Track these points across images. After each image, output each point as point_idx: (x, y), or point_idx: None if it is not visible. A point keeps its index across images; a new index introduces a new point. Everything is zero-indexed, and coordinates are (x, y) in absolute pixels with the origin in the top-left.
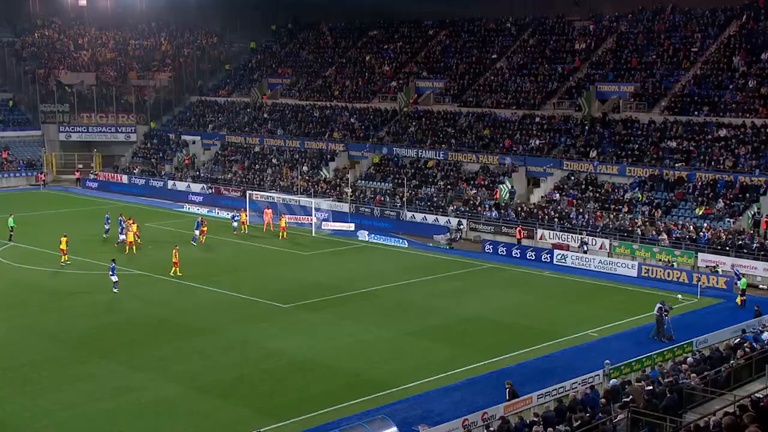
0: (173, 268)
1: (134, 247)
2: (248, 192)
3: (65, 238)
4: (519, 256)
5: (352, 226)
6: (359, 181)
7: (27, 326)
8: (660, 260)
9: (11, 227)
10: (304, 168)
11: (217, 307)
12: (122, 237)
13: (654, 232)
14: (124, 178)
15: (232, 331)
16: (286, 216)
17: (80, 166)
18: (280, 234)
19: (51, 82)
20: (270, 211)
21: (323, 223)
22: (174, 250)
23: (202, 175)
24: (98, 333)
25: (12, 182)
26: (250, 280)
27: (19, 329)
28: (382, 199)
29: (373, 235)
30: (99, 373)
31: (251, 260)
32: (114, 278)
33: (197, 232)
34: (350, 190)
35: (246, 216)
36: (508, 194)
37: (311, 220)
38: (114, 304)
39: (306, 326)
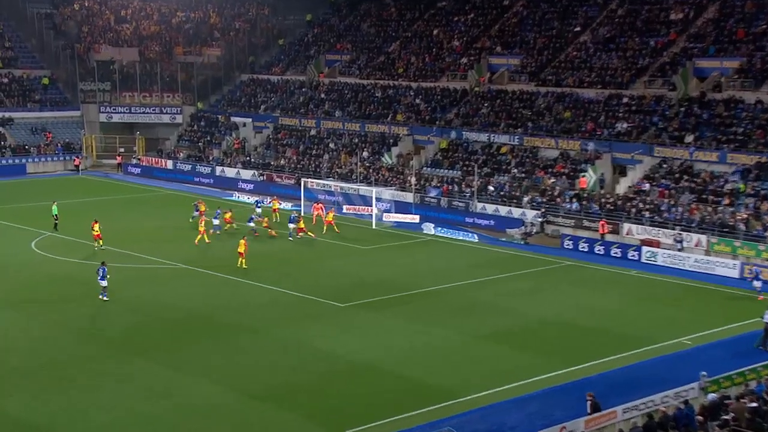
0: (239, 260)
1: (206, 236)
2: (303, 180)
3: (96, 223)
4: (602, 253)
5: (416, 218)
6: (425, 168)
7: (62, 322)
8: (766, 259)
9: (55, 215)
10: (364, 154)
11: (267, 304)
12: (216, 222)
13: (759, 228)
14: (169, 164)
15: (283, 331)
16: (334, 210)
17: (122, 149)
18: (324, 228)
19: (90, 59)
20: (321, 206)
21: (384, 214)
22: (242, 240)
23: (252, 160)
24: (138, 330)
25: (49, 167)
26: (304, 275)
27: (55, 325)
28: (450, 188)
29: (439, 228)
30: (138, 374)
31: (305, 254)
32: (103, 283)
33: (292, 226)
34: (414, 178)
35: (278, 204)
36: (596, 183)
37: (371, 211)
38: (156, 299)
39: (365, 327)
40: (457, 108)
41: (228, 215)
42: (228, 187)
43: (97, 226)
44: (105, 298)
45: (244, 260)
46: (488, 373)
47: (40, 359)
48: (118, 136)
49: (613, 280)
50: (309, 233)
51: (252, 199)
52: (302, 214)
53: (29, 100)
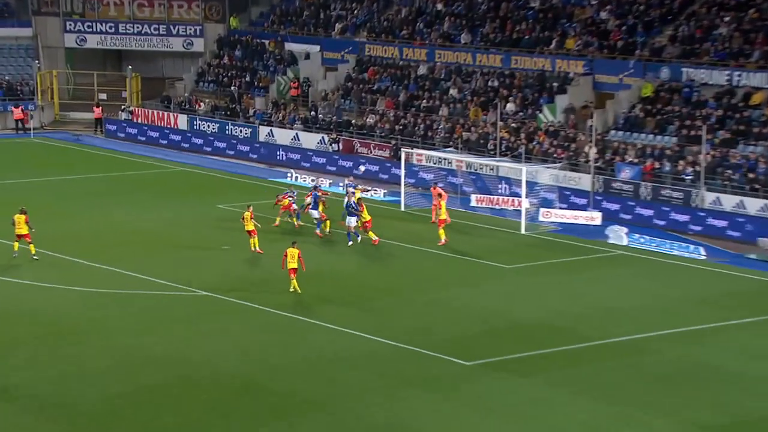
0: (291, 281)
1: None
2: (403, 150)
3: (22, 216)
4: None
5: (596, 218)
6: (612, 132)
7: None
8: None
9: None
10: (509, 106)
11: (345, 361)
12: (315, 214)
13: None
14: (182, 121)
15: (370, 406)
16: (444, 198)
17: (102, 96)
18: (441, 234)
19: None
20: (442, 193)
21: (542, 210)
22: (292, 250)
23: (321, 116)
24: (128, 412)
25: None
26: (401, 312)
27: None
28: (657, 166)
29: (636, 236)
30: None
31: (399, 275)
32: None
33: (353, 223)
34: (595, 149)
35: (326, 192)
36: None
37: (519, 204)
38: (157, 351)
39: (505, 403)
40: (674, 26)
41: (249, 213)
42: (279, 163)
43: (21, 221)
44: None
45: (295, 281)
46: None
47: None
48: (95, 73)
49: None
50: (370, 234)
51: (310, 182)
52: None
53: None
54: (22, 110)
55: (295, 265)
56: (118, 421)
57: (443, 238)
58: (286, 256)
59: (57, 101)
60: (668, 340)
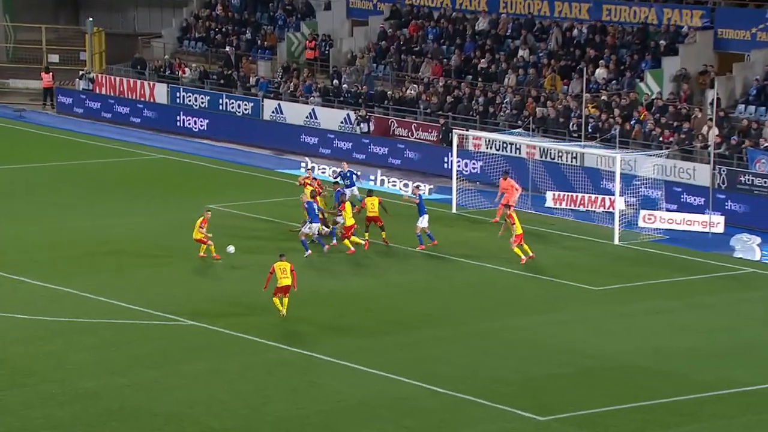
0: (280, 306)
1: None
2: (455, 132)
3: None
4: None
5: (718, 224)
6: (740, 107)
7: None
8: None
9: None
10: (598, 72)
11: (364, 411)
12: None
13: None
14: (160, 92)
15: None
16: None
17: (54, 59)
18: (501, 229)
19: None
20: (512, 184)
21: (643, 213)
22: (283, 264)
23: (346, 87)
24: None
25: None
26: (452, 348)
27: None
28: None
29: None
30: None
31: (456, 297)
32: None
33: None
34: (716, 129)
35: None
36: None
37: (611, 205)
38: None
39: None
40: None
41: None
42: (289, 148)
43: None
44: None
45: (284, 307)
46: None
47: None
48: (44, 27)
49: None
50: (346, 242)
51: (334, 171)
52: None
53: None
54: None
55: (289, 282)
56: None
57: (523, 255)
58: (272, 272)
59: None
60: None
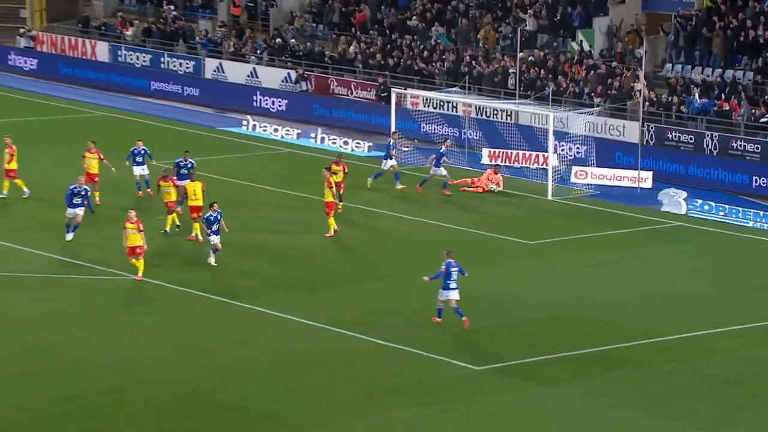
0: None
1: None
2: (393, 90)
3: None
4: None
5: (646, 179)
6: (667, 65)
7: None
8: None
9: None
10: (530, 23)
11: (305, 362)
12: (388, 164)
13: None
14: (101, 50)
15: (344, 423)
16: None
17: None
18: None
19: None
20: (499, 179)
21: (575, 169)
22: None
23: (291, 44)
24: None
25: None
26: (391, 300)
27: None
28: (726, 107)
29: (699, 203)
30: None
31: (395, 251)
32: None
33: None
34: (645, 82)
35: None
36: None
37: (545, 161)
38: (88, 356)
39: (523, 419)
40: None
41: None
42: (233, 107)
43: None
44: None
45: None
46: None
47: None
48: None
49: None
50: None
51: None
52: (392, 169)
53: None
54: None
55: (200, 203)
56: None
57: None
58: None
59: None
60: (739, 337)
